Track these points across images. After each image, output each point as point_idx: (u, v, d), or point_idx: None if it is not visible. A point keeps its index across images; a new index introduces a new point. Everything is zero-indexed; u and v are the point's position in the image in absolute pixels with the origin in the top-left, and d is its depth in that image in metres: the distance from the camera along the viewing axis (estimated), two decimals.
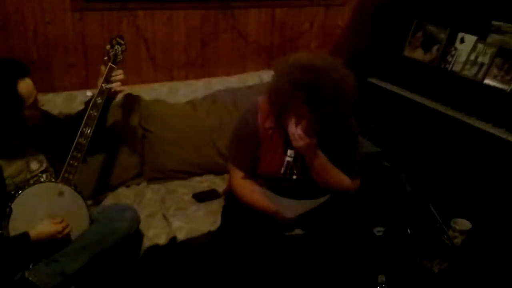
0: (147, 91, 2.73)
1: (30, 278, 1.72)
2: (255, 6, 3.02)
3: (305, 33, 3.25)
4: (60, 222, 1.84)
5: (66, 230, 1.85)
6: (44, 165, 1.95)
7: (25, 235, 1.75)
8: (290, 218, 2.00)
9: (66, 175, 1.91)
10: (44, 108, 2.38)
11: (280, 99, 1.89)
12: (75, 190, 1.93)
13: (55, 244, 1.84)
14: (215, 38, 2.99)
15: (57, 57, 2.63)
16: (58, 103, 2.53)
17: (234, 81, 3.01)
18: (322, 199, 1.89)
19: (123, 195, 2.42)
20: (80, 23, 2.62)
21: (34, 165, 1.91)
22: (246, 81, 3.03)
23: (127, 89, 2.66)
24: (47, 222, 1.83)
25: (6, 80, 1.69)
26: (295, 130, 1.90)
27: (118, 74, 2.07)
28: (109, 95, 2.04)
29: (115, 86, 2.05)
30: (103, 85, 2.05)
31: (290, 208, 1.95)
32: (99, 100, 2.02)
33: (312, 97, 1.81)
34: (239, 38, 3.06)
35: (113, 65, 2.10)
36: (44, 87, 2.61)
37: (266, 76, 3.07)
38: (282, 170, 2.11)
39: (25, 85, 1.74)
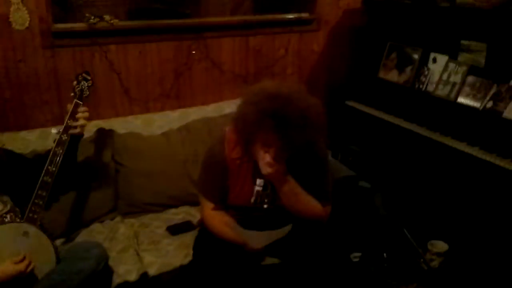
0: (122, 124, 2.74)
1: None
2: (228, 35, 3.05)
3: (280, 59, 3.27)
4: (22, 260, 1.80)
5: (29, 268, 1.80)
6: (8, 205, 1.92)
7: None
8: (258, 249, 1.97)
9: (31, 214, 1.89)
10: (16, 146, 2.42)
11: (247, 128, 1.88)
12: (41, 229, 1.91)
13: (22, 282, 1.80)
14: (189, 69, 3.01)
15: (30, 95, 2.64)
16: (32, 140, 2.53)
17: (210, 110, 3.01)
18: (286, 229, 1.87)
19: (96, 231, 2.39)
20: (52, 60, 2.64)
21: None
22: (223, 110, 3.03)
23: (101, 123, 2.69)
24: (8, 262, 1.78)
25: None
26: (263, 158, 1.89)
27: (83, 111, 2.06)
28: (76, 132, 2.03)
29: (80, 123, 2.04)
30: (68, 121, 2.04)
31: (256, 239, 1.93)
32: (64, 137, 2.01)
33: (279, 125, 1.80)
34: (213, 68, 3.08)
35: (78, 101, 2.09)
36: (18, 125, 2.63)
37: None
38: (252, 199, 2.09)
39: None
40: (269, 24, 3.13)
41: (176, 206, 2.63)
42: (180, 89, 3.02)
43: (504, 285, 2.15)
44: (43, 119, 2.70)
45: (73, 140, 2.03)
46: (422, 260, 2.20)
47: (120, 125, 2.73)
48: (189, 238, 2.32)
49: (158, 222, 2.49)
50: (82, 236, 2.35)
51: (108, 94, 2.82)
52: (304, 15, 3.22)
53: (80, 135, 2.07)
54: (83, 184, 2.42)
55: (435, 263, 2.25)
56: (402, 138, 2.86)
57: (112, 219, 2.51)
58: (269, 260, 2.12)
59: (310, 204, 2.04)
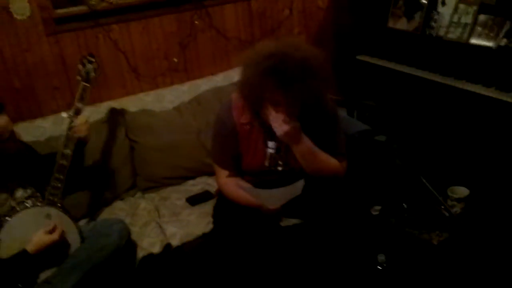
0: (133, 102, 2.75)
1: None
2: (230, 1, 3.00)
3: (286, 20, 3.21)
4: (54, 229, 1.87)
5: (59, 232, 1.87)
6: (29, 191, 1.98)
7: (24, 252, 1.79)
8: (275, 209, 1.97)
9: (51, 197, 1.94)
10: (32, 134, 2.46)
11: (252, 92, 1.87)
12: (62, 210, 1.96)
13: (54, 255, 1.88)
14: (194, 40, 2.98)
15: (40, 82, 2.67)
16: (47, 127, 2.57)
17: (219, 79, 3.00)
18: (299, 184, 1.86)
19: (118, 208, 2.45)
20: (57, 46, 2.65)
21: (18, 193, 1.95)
22: (232, 78, 2.98)
23: (113, 104, 2.71)
24: (41, 232, 1.85)
25: None
26: (277, 118, 1.87)
27: (81, 120, 2.06)
28: (80, 138, 2.05)
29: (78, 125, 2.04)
30: (78, 104, 2.07)
31: (272, 199, 1.93)
32: (75, 120, 2.05)
33: (281, 80, 1.78)
34: (218, 36, 3.04)
35: (86, 84, 2.11)
36: (31, 113, 2.67)
37: None
38: (266, 163, 2.09)
39: (1, 121, 1.79)
40: None
41: (193, 178, 2.66)
42: (187, 61, 3.01)
43: None
44: (55, 106, 2.74)
45: (79, 146, 2.06)
46: (443, 207, 2.17)
47: (131, 103, 2.74)
48: (208, 207, 2.34)
49: (177, 194, 2.52)
50: (104, 215, 2.40)
51: (116, 74, 2.82)
52: None
53: (85, 141, 2.09)
54: (96, 179, 2.46)
55: (456, 209, 2.22)
56: (416, 87, 2.79)
57: (132, 196, 2.56)
58: (290, 221, 2.14)
59: (327, 161, 2.03)
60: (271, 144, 2.06)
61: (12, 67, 2.58)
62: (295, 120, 1.90)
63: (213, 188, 2.51)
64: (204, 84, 2.95)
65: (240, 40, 3.12)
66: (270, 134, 2.04)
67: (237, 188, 2.07)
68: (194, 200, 2.43)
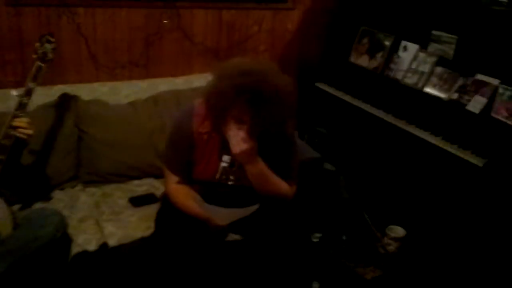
0: (87, 91, 2.66)
1: None
2: (201, 7, 2.99)
3: (253, 35, 3.24)
4: None
5: None
6: None
7: None
8: (221, 226, 1.96)
9: None
10: None
11: (220, 103, 1.85)
12: None
13: None
14: (159, 38, 2.93)
15: None
16: None
17: (179, 82, 2.96)
18: (252, 208, 1.87)
19: (57, 198, 2.34)
20: (15, 19, 2.52)
21: None
22: (192, 83, 2.98)
23: (66, 88, 2.60)
24: None
25: None
26: (236, 135, 1.87)
27: (26, 123, 1.93)
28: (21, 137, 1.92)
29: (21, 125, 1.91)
30: (30, 84, 1.99)
31: (221, 215, 1.92)
32: (24, 101, 1.96)
33: (254, 99, 1.79)
34: (184, 39, 3.01)
35: (41, 64, 2.03)
36: None
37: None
38: (218, 175, 2.09)
39: None
40: None
41: (139, 178, 2.59)
42: (149, 58, 2.95)
43: (459, 273, 2.24)
44: (4, 80, 2.59)
45: (19, 145, 1.95)
46: (380, 244, 2.26)
47: (85, 91, 2.65)
48: (151, 210, 2.28)
49: (121, 192, 2.45)
50: (41, 203, 2.28)
51: (74, 58, 2.72)
52: None
53: (27, 143, 1.98)
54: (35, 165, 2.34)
55: (392, 248, 2.32)
56: (368, 123, 2.90)
57: (72, 187, 2.46)
58: (231, 237, 2.13)
59: (278, 185, 2.04)
60: (225, 158, 2.07)
61: None
62: (254, 140, 1.92)
63: (158, 192, 2.47)
64: (163, 84, 2.90)
65: (206, 46, 3.10)
66: (226, 147, 2.04)
67: (185, 197, 2.04)
68: (137, 201, 2.36)
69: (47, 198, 2.33)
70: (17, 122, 1.89)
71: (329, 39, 3.33)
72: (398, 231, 2.38)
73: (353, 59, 3.16)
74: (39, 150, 2.34)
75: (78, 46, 2.71)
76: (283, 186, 2.07)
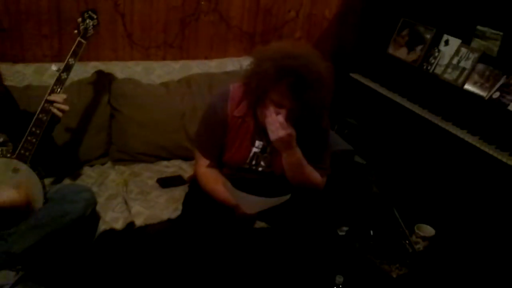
0: (121, 69, 2.66)
1: None
2: None
3: (290, 21, 3.18)
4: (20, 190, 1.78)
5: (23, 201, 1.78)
6: (1, 139, 1.88)
7: None
8: (249, 214, 1.94)
9: (23, 151, 1.85)
10: (12, 80, 2.34)
11: (261, 86, 1.83)
12: (31, 167, 1.87)
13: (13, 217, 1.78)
14: (196, 20, 2.91)
15: (30, 27, 2.54)
16: (27, 74, 2.46)
17: (213, 65, 2.94)
18: (284, 198, 1.84)
19: (86, 175, 2.36)
20: None
21: None
22: (226, 67, 2.96)
23: (100, 65, 2.61)
24: (12, 190, 1.76)
25: None
26: (276, 119, 1.83)
27: (63, 99, 1.93)
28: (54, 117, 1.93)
29: (58, 100, 1.91)
30: (69, 60, 1.98)
31: (250, 204, 1.90)
32: (63, 76, 1.96)
33: (297, 83, 1.77)
34: (221, 22, 2.98)
35: (82, 40, 2.03)
36: (14, 57, 2.54)
37: (246, 63, 2.91)
38: (248, 160, 2.08)
39: None
40: None
41: (168, 159, 2.60)
42: (184, 39, 2.93)
43: (485, 275, 2.19)
44: (40, 54, 2.62)
45: (52, 120, 1.94)
46: (407, 242, 2.21)
47: (120, 69, 2.65)
48: (178, 192, 2.30)
49: (149, 172, 2.46)
50: (71, 179, 2.31)
51: (110, 35, 2.72)
52: None
53: (58, 120, 1.97)
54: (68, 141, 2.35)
55: (419, 246, 2.27)
56: (402, 117, 2.83)
57: (102, 164, 2.48)
58: (257, 224, 2.12)
59: (311, 175, 2.02)
60: (258, 143, 2.05)
61: (4, 5, 2.44)
62: (291, 126, 1.89)
63: (186, 174, 2.47)
64: (196, 67, 2.89)
65: (242, 30, 3.06)
66: (259, 133, 2.02)
67: (215, 181, 2.03)
68: (165, 182, 2.37)
69: (77, 174, 2.36)
70: (54, 97, 1.89)
71: (367, 28, 3.24)
72: (428, 230, 2.33)
73: (391, 50, 3.08)
74: (72, 126, 2.36)
75: (114, 24, 2.71)
76: (315, 176, 2.04)
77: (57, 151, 2.18)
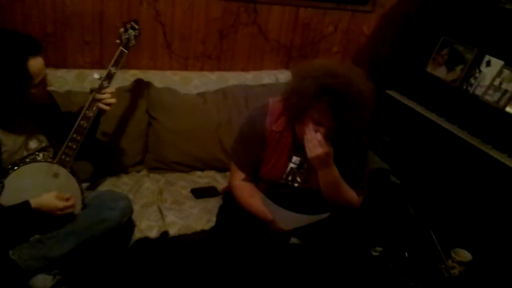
0: (159, 78, 2.69)
1: (13, 258, 1.68)
2: (279, 3, 2.95)
3: (328, 36, 3.17)
4: (68, 199, 1.80)
5: (68, 210, 1.80)
6: (43, 144, 1.91)
7: (26, 203, 1.70)
8: (285, 230, 1.93)
9: (63, 157, 1.87)
10: (54, 85, 2.38)
11: (301, 103, 1.82)
12: (70, 172, 1.90)
13: (49, 224, 1.80)
14: (234, 32, 2.92)
15: (73, 34, 2.60)
16: (69, 80, 2.50)
17: (249, 77, 2.95)
18: (322, 216, 1.81)
19: (122, 182, 2.39)
20: (99, 2, 2.59)
21: (33, 143, 1.87)
22: (262, 79, 2.96)
23: (139, 74, 2.64)
24: (52, 195, 1.77)
25: (17, 54, 1.65)
26: (315, 136, 1.83)
27: (111, 93, 1.99)
28: (100, 110, 1.97)
29: (106, 97, 1.97)
30: (111, 68, 2.01)
31: (287, 220, 1.87)
32: (105, 84, 1.99)
33: (338, 102, 1.76)
34: (259, 34, 2.99)
35: (124, 50, 2.06)
36: (56, 62, 2.59)
37: (283, 76, 3.01)
38: (284, 176, 2.07)
39: (36, 63, 1.69)
40: None
41: (202, 170, 2.61)
42: (222, 50, 2.95)
43: None
44: (81, 61, 2.67)
45: (97, 114, 1.98)
46: (443, 266, 2.16)
47: (158, 78, 2.68)
48: (212, 203, 2.30)
49: (183, 182, 2.47)
50: (107, 185, 2.34)
51: (149, 44, 2.75)
52: None
53: (102, 112, 2.01)
54: (106, 146, 2.39)
55: (455, 271, 2.22)
56: (440, 138, 2.77)
57: (138, 172, 2.50)
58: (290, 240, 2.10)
59: (347, 193, 2.00)
60: (295, 159, 2.05)
61: (50, 11, 2.51)
62: (329, 145, 1.87)
63: (219, 185, 2.47)
64: (233, 78, 2.89)
65: (279, 44, 3.07)
66: (297, 148, 2.02)
67: (250, 195, 2.03)
68: (199, 193, 2.37)
69: (113, 180, 2.38)
70: (102, 95, 1.95)
71: (405, 46, 3.21)
72: (464, 255, 2.27)
73: (429, 69, 3.03)
74: (110, 133, 2.39)
75: (155, 33, 2.74)
76: (352, 195, 2.02)
77: (97, 155, 2.22)
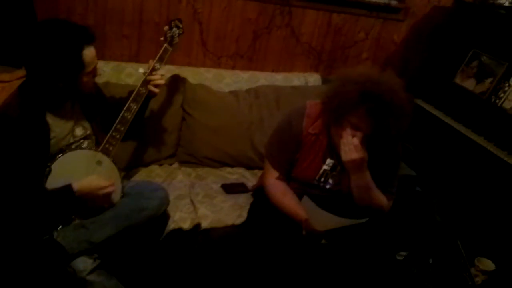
0: (194, 75, 2.75)
1: (58, 240, 1.75)
2: (313, 8, 3.00)
3: (359, 42, 3.21)
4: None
5: (109, 190, 1.85)
6: (88, 132, 1.98)
7: (68, 187, 1.76)
8: (318, 231, 1.97)
9: (107, 146, 1.94)
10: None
11: (342, 108, 1.87)
12: (113, 161, 1.96)
13: (91, 209, 1.87)
14: (268, 33, 2.98)
15: (113, 27, 2.67)
16: (106, 71, 2.56)
17: (279, 78, 3.00)
18: (359, 221, 1.84)
19: (155, 173, 2.45)
20: None
21: (78, 131, 1.94)
22: (291, 81, 3.02)
23: (174, 69, 2.70)
24: (94, 176, 1.84)
25: (73, 43, 1.72)
26: (351, 141, 1.88)
27: (161, 75, 2.10)
28: (150, 92, 2.06)
29: (156, 78, 2.07)
30: (155, 64, 2.08)
31: (324, 221, 1.90)
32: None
33: (377, 109, 1.81)
34: (291, 37, 3.04)
35: (168, 47, 2.13)
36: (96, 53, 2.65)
37: (312, 79, 3.07)
38: (317, 177, 2.11)
39: (89, 52, 1.77)
40: (356, 5, 3.05)
41: (231, 166, 2.66)
42: (254, 51, 3.00)
43: None
44: (119, 54, 2.73)
45: (147, 98, 2.07)
46: (467, 273, 2.20)
47: (192, 74, 2.74)
48: (242, 200, 2.35)
49: (214, 177, 2.53)
50: (141, 175, 2.40)
51: (185, 41, 2.80)
52: (394, 2, 3.13)
53: (153, 95, 2.11)
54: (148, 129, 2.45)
55: (478, 280, 2.25)
56: (465, 148, 2.80)
57: (169, 165, 2.56)
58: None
59: (377, 198, 2.04)
60: (328, 161, 2.09)
61: (93, 4, 2.59)
62: (364, 150, 1.92)
63: (248, 182, 2.52)
64: (263, 78, 2.95)
65: (310, 47, 3.12)
66: (331, 151, 2.06)
67: (283, 194, 2.08)
68: (229, 189, 2.43)
69: (147, 171, 2.45)
70: (152, 76, 2.06)
71: (435, 56, 3.24)
72: (488, 264, 2.31)
73: (458, 80, 3.06)
74: (147, 125, 2.44)
75: (191, 31, 2.80)
76: (382, 199, 2.06)
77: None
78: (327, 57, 3.18)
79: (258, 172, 2.62)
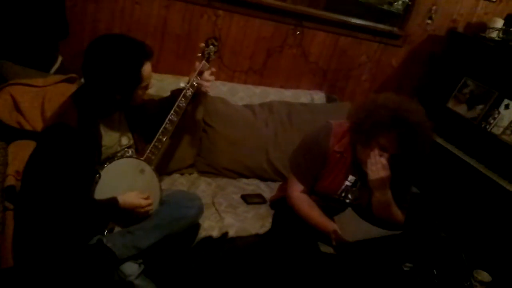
0: (210, 87, 2.84)
1: (108, 245, 1.82)
2: (323, 30, 3.18)
3: (362, 64, 3.41)
4: (146, 199, 1.94)
5: (148, 208, 1.95)
6: (131, 141, 2.05)
7: (115, 199, 1.84)
8: (348, 241, 2.11)
9: (150, 155, 2.03)
10: None
11: (374, 130, 2.03)
12: (154, 170, 2.05)
13: (131, 218, 1.95)
14: (280, 51, 3.13)
15: (136, 37, 2.71)
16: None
17: (288, 94, 3.15)
18: (394, 232, 2.02)
19: (179, 182, 2.54)
20: (164, 10, 2.75)
21: (124, 140, 2.01)
22: (299, 98, 3.17)
23: None
24: (135, 193, 1.92)
25: (134, 59, 1.81)
26: (380, 160, 2.05)
27: (210, 75, 2.23)
28: (204, 90, 2.22)
29: (205, 84, 2.20)
30: (194, 79, 2.18)
31: (351, 230, 2.06)
32: (189, 93, 2.17)
33: (407, 134, 1.99)
34: (301, 56, 3.20)
35: (206, 63, 2.24)
36: None
37: (317, 97, 3.24)
38: (339, 192, 2.26)
39: (148, 68, 1.86)
40: (364, 30, 3.26)
41: (247, 177, 2.78)
42: (266, 68, 3.15)
43: None
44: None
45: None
46: (468, 283, 2.41)
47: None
48: (262, 210, 2.48)
49: (233, 188, 2.64)
50: (166, 184, 2.48)
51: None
52: (394, 29, 3.36)
53: (207, 92, 2.26)
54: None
55: None
56: (459, 168, 3.04)
57: (190, 174, 2.65)
58: (329, 249, 2.28)
59: (396, 213, 2.21)
60: (351, 177, 2.24)
61: (119, 14, 2.66)
62: (389, 169, 2.10)
63: (264, 193, 2.64)
64: (273, 94, 3.10)
65: (318, 66, 3.29)
66: (353, 168, 2.22)
67: (310, 206, 2.22)
68: (249, 199, 2.54)
69: (170, 179, 2.54)
70: (200, 80, 2.24)
71: (429, 81, 3.49)
72: (484, 276, 2.52)
73: (450, 105, 3.31)
74: (171, 135, 2.52)
75: None
76: (399, 214, 2.24)
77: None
78: (331, 76, 3.36)
79: (271, 184, 2.76)
